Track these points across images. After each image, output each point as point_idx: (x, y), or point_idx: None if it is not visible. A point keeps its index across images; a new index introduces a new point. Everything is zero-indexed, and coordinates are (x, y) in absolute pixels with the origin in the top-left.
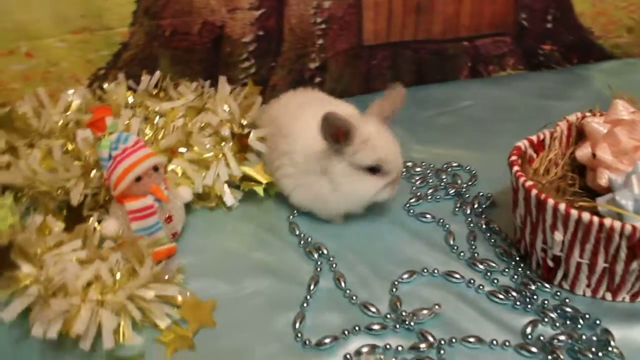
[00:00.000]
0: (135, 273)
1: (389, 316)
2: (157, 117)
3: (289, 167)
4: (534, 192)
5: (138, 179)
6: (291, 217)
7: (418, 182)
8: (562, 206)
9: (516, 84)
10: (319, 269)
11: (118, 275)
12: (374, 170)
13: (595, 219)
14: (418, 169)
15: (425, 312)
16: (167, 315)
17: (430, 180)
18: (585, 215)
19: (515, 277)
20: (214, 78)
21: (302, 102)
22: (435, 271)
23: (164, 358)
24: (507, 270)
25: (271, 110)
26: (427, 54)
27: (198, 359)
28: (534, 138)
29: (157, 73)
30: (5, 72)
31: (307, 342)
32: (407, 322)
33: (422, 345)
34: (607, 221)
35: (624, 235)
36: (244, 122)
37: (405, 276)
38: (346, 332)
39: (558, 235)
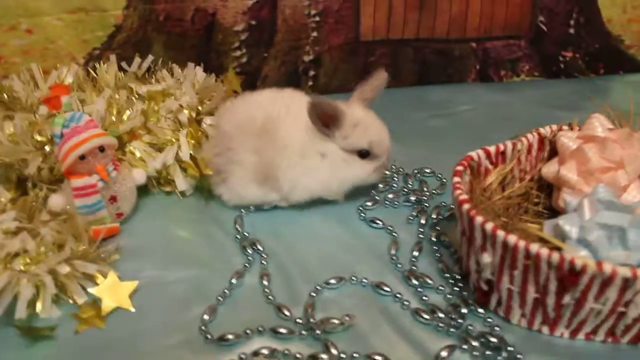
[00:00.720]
0: (63, 248)
1: (298, 321)
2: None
3: (292, 156)
4: (465, 207)
5: (82, 157)
6: (243, 211)
7: (381, 185)
8: (489, 226)
9: (526, 91)
10: (247, 265)
11: (43, 249)
12: (363, 154)
13: (522, 243)
14: (386, 172)
15: (335, 321)
16: (89, 293)
17: (395, 185)
18: (511, 238)
19: (449, 297)
20: (207, 64)
21: (273, 98)
22: (364, 280)
23: (74, 333)
24: (441, 288)
25: (237, 114)
26: (430, 54)
27: (102, 338)
28: (492, 148)
29: (150, 57)
30: (7, 47)
31: (209, 337)
32: (314, 330)
33: (323, 356)
34: (534, 247)
35: (552, 265)
36: (200, 109)
37: (333, 281)
38: (249, 332)
39: (486, 257)
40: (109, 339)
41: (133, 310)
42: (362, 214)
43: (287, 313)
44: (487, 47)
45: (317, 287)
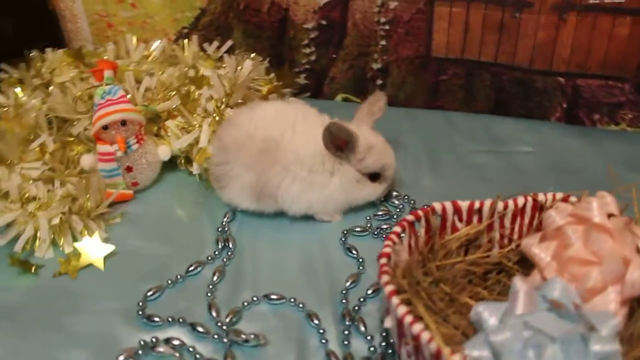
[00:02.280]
0: (74, 201)
1: (219, 324)
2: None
3: (299, 171)
4: (382, 260)
5: (106, 127)
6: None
7: (380, 213)
8: (388, 288)
9: (616, 145)
10: (210, 258)
11: (55, 197)
12: (373, 177)
13: (408, 319)
14: (396, 202)
15: (243, 336)
16: (74, 246)
17: (395, 216)
18: (400, 310)
19: (372, 349)
20: (280, 57)
21: (278, 115)
22: (301, 305)
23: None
24: (369, 338)
25: (238, 128)
26: (508, 82)
27: (68, 286)
28: (464, 204)
29: (229, 42)
30: (117, 17)
31: (140, 313)
32: (226, 337)
33: None
34: (416, 327)
35: (431, 352)
36: (224, 104)
37: (273, 297)
38: (171, 320)
39: (387, 322)
40: (72, 288)
41: (102, 270)
42: (343, 239)
43: (214, 314)
44: (579, 84)
45: (255, 298)
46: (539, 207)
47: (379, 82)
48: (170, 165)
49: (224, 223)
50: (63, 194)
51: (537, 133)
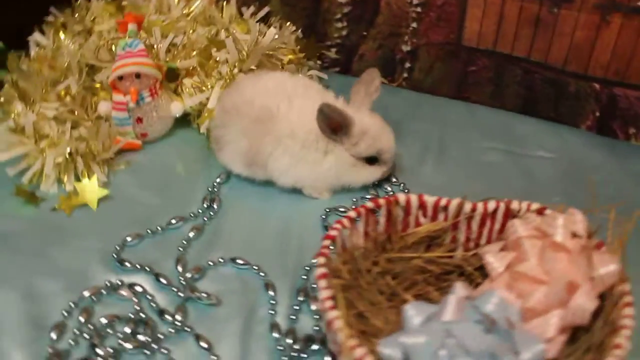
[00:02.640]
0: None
1: (181, 278)
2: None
3: (292, 145)
4: (326, 242)
5: (121, 78)
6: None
7: (368, 197)
8: (322, 283)
9: None
10: (192, 215)
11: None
12: (371, 160)
13: (332, 314)
14: (388, 188)
15: (203, 295)
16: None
17: None
18: (325, 293)
19: (316, 328)
20: (313, 29)
21: (280, 86)
22: (262, 274)
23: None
24: (319, 317)
25: (239, 94)
26: (540, 81)
27: (61, 221)
28: (431, 199)
29: (266, 9)
30: None
31: (115, 256)
32: (182, 291)
33: (167, 316)
34: (331, 314)
35: (337, 340)
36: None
37: (239, 262)
38: (139, 266)
39: (314, 304)
40: (64, 223)
41: (94, 210)
42: (324, 216)
43: (180, 268)
44: (616, 94)
45: (221, 259)
46: (512, 215)
47: (407, 65)
48: (185, 121)
49: (215, 184)
50: (75, 135)
51: (560, 139)
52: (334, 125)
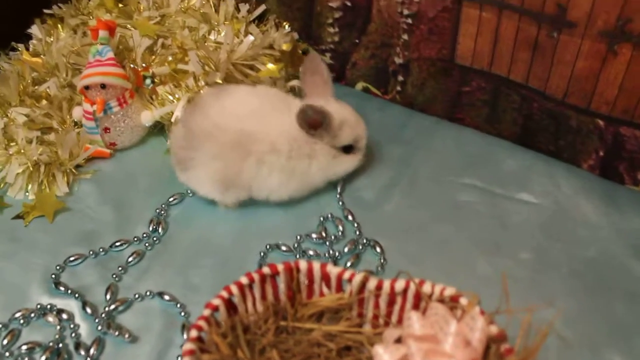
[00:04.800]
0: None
1: (106, 308)
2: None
3: (276, 160)
4: (206, 312)
5: (87, 87)
6: None
7: (315, 237)
8: (187, 346)
9: None
10: (135, 239)
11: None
12: (347, 148)
13: None
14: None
15: (115, 333)
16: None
17: (327, 243)
18: None
19: None
20: (309, 31)
21: (247, 107)
22: (183, 314)
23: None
24: None
25: (207, 118)
26: (538, 111)
27: (17, 231)
28: (334, 270)
29: (262, 7)
30: None
31: (54, 276)
32: (100, 325)
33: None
34: None
35: None
36: (202, 81)
37: (166, 297)
38: (71, 292)
39: None
40: (19, 234)
41: (50, 223)
42: (263, 253)
43: (108, 296)
44: (623, 134)
45: (149, 292)
46: (419, 296)
47: (400, 78)
48: (160, 129)
49: (163, 206)
50: (46, 141)
51: (550, 180)
52: (316, 124)
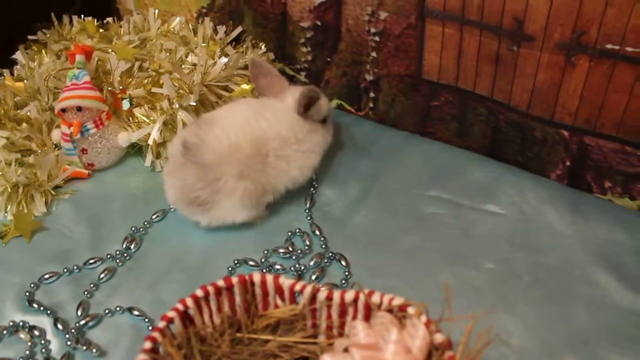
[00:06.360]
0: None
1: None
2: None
3: (289, 150)
4: (161, 324)
5: (64, 110)
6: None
7: (282, 251)
8: (141, 357)
9: (609, 227)
10: (108, 256)
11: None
12: (324, 121)
13: None
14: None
15: (83, 348)
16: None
17: (294, 257)
18: None
19: None
20: (283, 51)
21: (245, 116)
22: (150, 328)
23: None
24: None
25: (217, 144)
26: (505, 123)
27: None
28: (286, 282)
29: (239, 28)
30: None
31: (28, 294)
32: (70, 340)
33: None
34: None
35: None
36: (177, 104)
37: (136, 313)
38: (43, 308)
39: None
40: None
41: (28, 242)
42: (231, 268)
43: (79, 313)
44: (588, 143)
45: (118, 308)
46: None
47: (372, 94)
48: (138, 150)
49: (146, 223)
50: (26, 162)
51: (517, 190)
52: (310, 103)
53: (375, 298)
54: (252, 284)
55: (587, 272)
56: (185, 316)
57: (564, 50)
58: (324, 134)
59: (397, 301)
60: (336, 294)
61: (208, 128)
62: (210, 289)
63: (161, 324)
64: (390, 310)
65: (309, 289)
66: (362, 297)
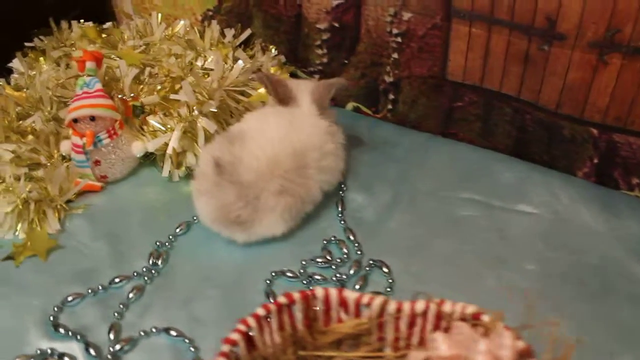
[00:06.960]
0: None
1: (110, 348)
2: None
3: (326, 159)
4: (224, 347)
5: (76, 120)
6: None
7: (320, 261)
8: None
9: None
10: (135, 273)
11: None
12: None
13: None
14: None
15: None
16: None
17: (334, 267)
18: None
19: None
20: (295, 53)
21: (277, 130)
22: (192, 349)
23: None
24: None
25: (254, 162)
26: (531, 122)
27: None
28: (352, 295)
29: (248, 31)
30: None
31: (52, 319)
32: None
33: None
34: None
35: None
36: (196, 110)
37: (173, 333)
38: (71, 333)
39: None
40: (10, 275)
41: (43, 262)
42: (269, 281)
43: (112, 336)
44: (617, 141)
45: (154, 329)
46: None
47: (391, 96)
48: (150, 160)
49: (170, 237)
50: (35, 177)
51: (547, 190)
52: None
53: (447, 307)
54: (315, 298)
55: (627, 270)
56: (246, 337)
57: (597, 49)
58: (340, 132)
59: (470, 309)
60: (406, 305)
61: (241, 144)
62: (272, 307)
63: (225, 348)
64: (463, 319)
65: (377, 302)
66: (432, 307)
